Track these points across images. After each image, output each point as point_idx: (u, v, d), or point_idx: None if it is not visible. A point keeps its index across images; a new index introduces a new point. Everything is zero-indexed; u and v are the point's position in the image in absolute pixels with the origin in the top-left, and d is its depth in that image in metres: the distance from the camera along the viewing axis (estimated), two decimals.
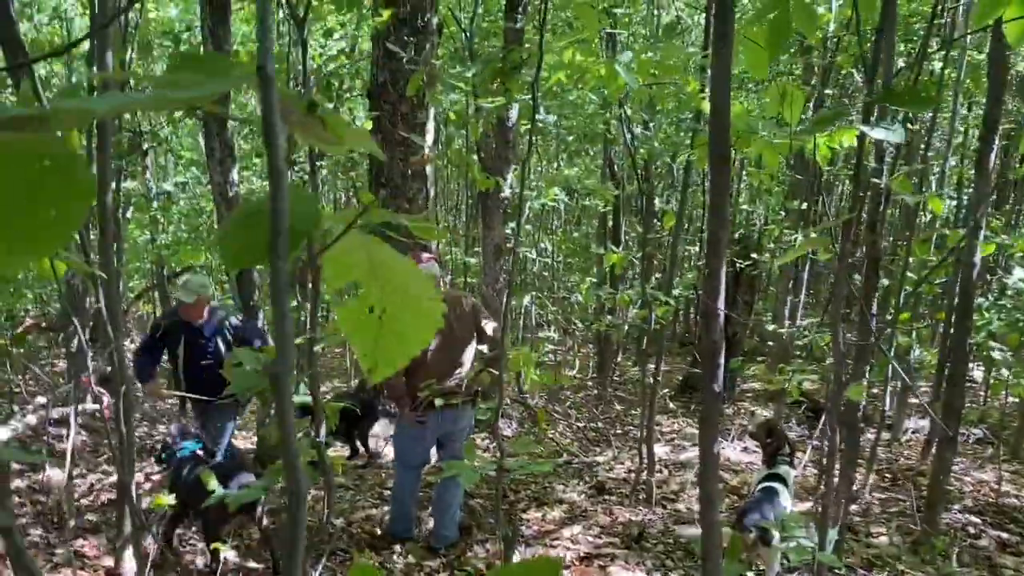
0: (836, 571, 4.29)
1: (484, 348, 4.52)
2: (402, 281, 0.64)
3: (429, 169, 6.57)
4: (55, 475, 5.46)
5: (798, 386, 6.76)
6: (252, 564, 4.38)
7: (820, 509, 2.72)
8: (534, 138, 3.75)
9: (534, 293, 9.00)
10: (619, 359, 10.87)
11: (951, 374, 4.83)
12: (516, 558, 4.41)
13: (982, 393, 8.44)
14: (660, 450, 6.70)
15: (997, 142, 4.42)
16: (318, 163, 9.20)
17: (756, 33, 2.35)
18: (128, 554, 3.75)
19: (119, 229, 6.93)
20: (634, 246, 10.01)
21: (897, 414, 7.58)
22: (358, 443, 6.56)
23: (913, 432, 7.67)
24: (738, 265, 7.89)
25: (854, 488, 5.95)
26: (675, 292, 6.39)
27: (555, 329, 10.38)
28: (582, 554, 4.61)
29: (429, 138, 6.54)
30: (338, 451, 6.58)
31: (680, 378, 9.81)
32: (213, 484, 3.53)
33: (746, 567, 3.93)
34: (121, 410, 3.22)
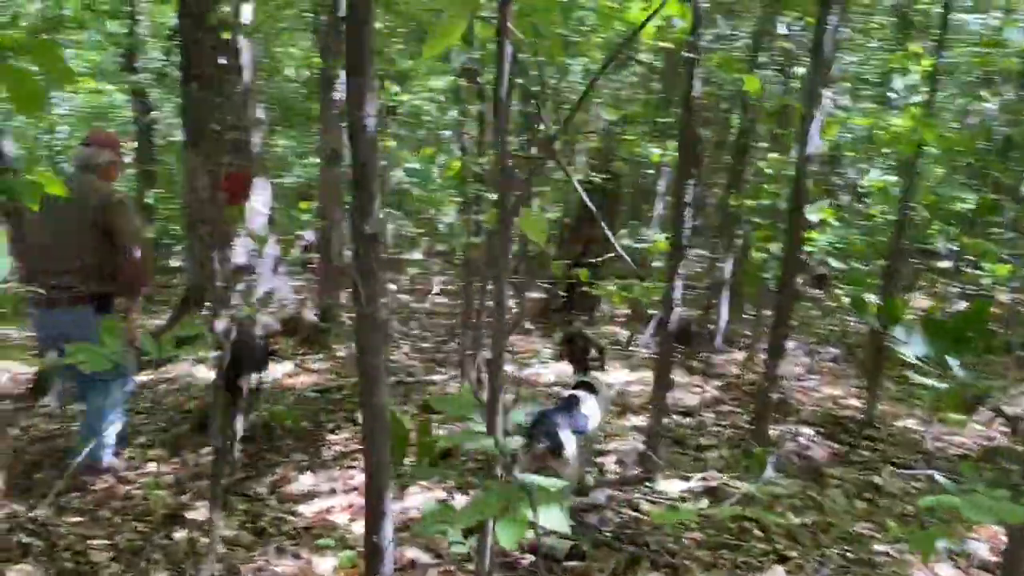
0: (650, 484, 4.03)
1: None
2: None
3: (247, 57, 5.83)
4: None
5: (650, 302, 6.51)
6: None
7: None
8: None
9: (387, 210, 8.40)
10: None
11: (782, 282, 4.56)
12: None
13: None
14: (506, 369, 6.36)
15: (834, 23, 4.06)
16: None
17: None
18: None
19: None
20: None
21: (753, 333, 7.44)
22: None
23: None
24: (593, 178, 7.46)
25: (693, 404, 5.77)
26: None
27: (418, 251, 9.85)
28: None
29: (248, 14, 5.77)
30: None
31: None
32: None
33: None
34: None
